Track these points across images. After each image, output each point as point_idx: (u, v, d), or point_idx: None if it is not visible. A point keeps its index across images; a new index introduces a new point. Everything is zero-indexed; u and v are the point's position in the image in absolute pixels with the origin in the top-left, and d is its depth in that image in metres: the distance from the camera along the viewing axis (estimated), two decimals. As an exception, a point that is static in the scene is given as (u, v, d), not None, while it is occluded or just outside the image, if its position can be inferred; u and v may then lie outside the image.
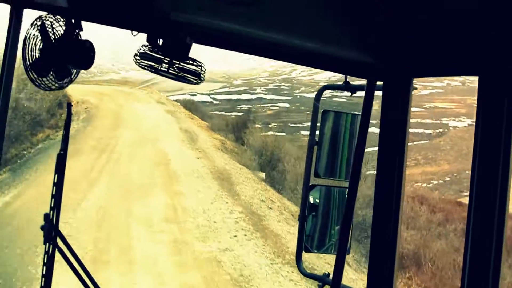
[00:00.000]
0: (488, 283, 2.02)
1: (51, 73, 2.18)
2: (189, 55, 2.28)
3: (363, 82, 2.84)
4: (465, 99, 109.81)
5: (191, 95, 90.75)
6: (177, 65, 2.33)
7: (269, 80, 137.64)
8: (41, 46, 2.14)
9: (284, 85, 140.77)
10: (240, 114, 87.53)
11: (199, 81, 2.40)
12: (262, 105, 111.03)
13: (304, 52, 2.58)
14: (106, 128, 28.03)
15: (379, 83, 2.74)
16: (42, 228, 2.32)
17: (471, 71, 2.31)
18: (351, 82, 3.37)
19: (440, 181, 67.59)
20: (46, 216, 2.32)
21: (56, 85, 2.20)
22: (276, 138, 36.07)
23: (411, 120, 2.68)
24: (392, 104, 2.67)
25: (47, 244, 2.31)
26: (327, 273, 3.45)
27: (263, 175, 26.85)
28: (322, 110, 3.53)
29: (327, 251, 3.73)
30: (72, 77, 2.26)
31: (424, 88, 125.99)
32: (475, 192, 2.10)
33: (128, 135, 26.78)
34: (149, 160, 22.66)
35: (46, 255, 2.31)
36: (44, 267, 2.33)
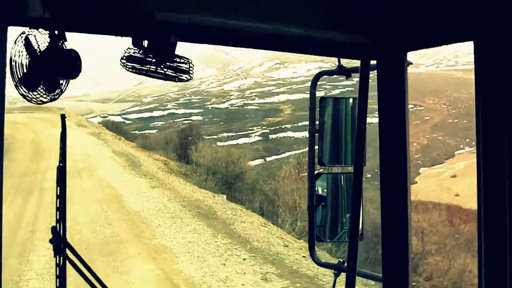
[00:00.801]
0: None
1: (41, 86, 2.18)
2: (175, 53, 2.26)
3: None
4: (377, 95, 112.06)
5: (102, 117, 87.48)
6: (164, 64, 2.32)
7: (179, 95, 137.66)
8: (27, 61, 2.13)
9: (194, 98, 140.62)
10: (155, 131, 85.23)
11: (189, 77, 2.36)
12: (175, 120, 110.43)
13: (294, 39, 2.47)
14: (27, 160, 24.59)
15: (373, 62, 2.74)
16: (51, 241, 2.33)
17: (465, 37, 2.23)
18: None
19: (363, 178, 67.58)
20: (53, 229, 2.34)
21: (48, 97, 2.21)
22: (226, 149, 32.90)
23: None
24: (388, 81, 2.69)
25: (57, 256, 2.31)
26: (341, 260, 3.42)
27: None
28: (319, 98, 3.54)
29: (341, 239, 3.57)
30: (62, 88, 2.24)
31: (335, 87, 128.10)
32: (482, 168, 2.12)
33: (56, 166, 21.85)
34: (94, 198, 17.93)
35: (57, 268, 2.31)
36: (57, 279, 2.32)
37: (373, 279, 3.46)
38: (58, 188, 2.38)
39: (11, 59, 2.10)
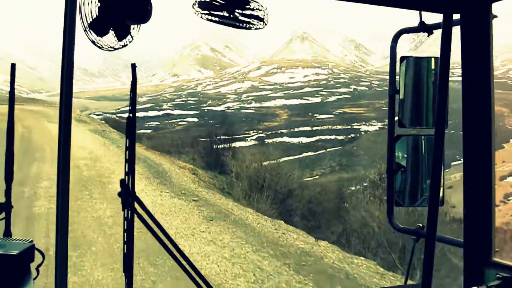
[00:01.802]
0: None
1: (112, 32, 2.14)
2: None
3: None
4: (373, 103, 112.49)
5: (97, 115, 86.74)
6: (238, 10, 2.25)
7: (175, 95, 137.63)
8: (97, 5, 2.11)
9: (190, 100, 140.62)
10: (149, 131, 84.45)
11: (263, 25, 2.29)
12: (170, 121, 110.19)
13: None
14: (16, 163, 18.16)
15: (456, 17, 2.64)
16: (119, 194, 2.32)
17: None
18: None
19: (358, 187, 66.69)
20: (122, 182, 2.31)
21: (119, 44, 2.17)
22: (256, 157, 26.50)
23: None
24: (472, 36, 2.62)
25: (126, 210, 2.31)
26: (421, 225, 3.31)
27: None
28: (400, 57, 3.33)
29: (421, 204, 3.44)
30: (132, 35, 2.19)
31: (332, 94, 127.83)
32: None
33: (54, 172, 12.53)
34: (117, 243, 11.02)
35: (125, 221, 2.31)
36: (125, 234, 2.31)
37: (455, 245, 3.38)
38: (128, 140, 2.37)
39: (80, 8, 2.09)
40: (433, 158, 2.82)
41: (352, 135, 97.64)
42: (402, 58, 3.38)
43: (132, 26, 2.20)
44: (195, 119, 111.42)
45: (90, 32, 2.10)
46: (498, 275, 2.71)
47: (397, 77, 3.45)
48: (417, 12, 3.14)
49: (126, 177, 2.35)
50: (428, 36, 3.30)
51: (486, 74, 2.64)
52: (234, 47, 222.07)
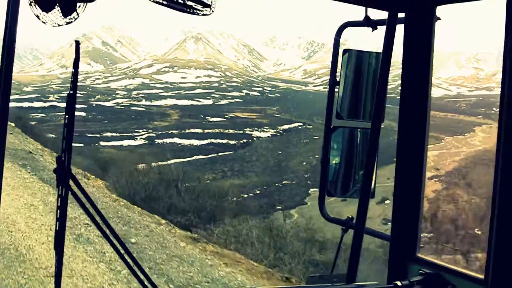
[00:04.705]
0: None
1: (57, 7, 2.13)
2: None
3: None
4: (265, 109, 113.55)
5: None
6: None
7: (63, 88, 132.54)
8: None
9: (79, 93, 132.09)
10: (33, 123, 80.00)
11: (210, 11, 2.30)
12: (56, 114, 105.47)
13: None
14: None
15: (400, 16, 2.79)
16: (54, 171, 2.30)
17: None
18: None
19: (251, 194, 66.89)
20: (58, 158, 2.30)
21: (63, 21, 2.15)
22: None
23: None
24: (414, 36, 2.73)
25: (60, 187, 2.30)
26: (350, 217, 3.36)
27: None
28: (343, 49, 3.42)
29: (352, 195, 3.50)
30: (78, 12, 2.18)
31: (224, 97, 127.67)
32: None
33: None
34: None
35: (59, 198, 2.31)
36: (58, 211, 2.31)
37: (382, 238, 3.45)
38: (67, 116, 2.32)
39: None
40: (368, 151, 3.05)
41: (245, 140, 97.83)
42: (345, 51, 3.43)
43: (78, 4, 2.16)
44: (83, 113, 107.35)
45: (35, 6, 2.08)
46: (421, 271, 2.76)
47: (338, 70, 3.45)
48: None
49: (63, 153, 2.30)
50: (372, 31, 3.29)
51: (425, 73, 2.72)
52: (126, 43, 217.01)
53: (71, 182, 2.29)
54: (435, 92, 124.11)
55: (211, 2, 2.28)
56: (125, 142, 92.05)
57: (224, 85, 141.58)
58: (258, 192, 71.37)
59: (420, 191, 2.82)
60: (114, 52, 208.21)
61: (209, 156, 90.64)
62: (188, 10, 2.25)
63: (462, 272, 2.70)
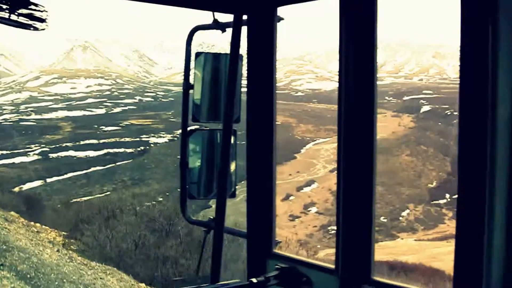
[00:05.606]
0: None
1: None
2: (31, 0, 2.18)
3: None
4: (160, 114, 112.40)
5: None
6: (18, 12, 2.19)
7: None
8: None
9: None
10: None
11: (45, 26, 2.26)
12: None
13: None
14: None
15: (245, 18, 2.84)
16: None
17: None
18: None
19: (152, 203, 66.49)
20: None
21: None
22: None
23: None
24: (257, 36, 2.79)
25: None
26: (211, 218, 3.40)
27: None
28: (195, 53, 3.46)
29: (214, 197, 3.48)
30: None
31: (117, 105, 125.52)
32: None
33: None
34: None
35: None
36: None
37: (241, 236, 3.45)
38: None
39: None
40: (221, 152, 3.06)
41: (142, 148, 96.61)
42: (197, 54, 3.48)
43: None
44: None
45: None
46: (277, 266, 2.88)
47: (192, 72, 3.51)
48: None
49: None
50: (222, 33, 3.36)
51: (269, 71, 2.79)
52: (10, 55, 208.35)
53: None
54: (327, 85, 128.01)
55: (45, 17, 2.27)
56: (17, 159, 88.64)
57: (116, 93, 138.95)
58: (160, 199, 70.99)
59: (272, 190, 2.93)
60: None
61: (107, 166, 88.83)
62: (21, 26, 2.24)
63: (316, 264, 2.89)
